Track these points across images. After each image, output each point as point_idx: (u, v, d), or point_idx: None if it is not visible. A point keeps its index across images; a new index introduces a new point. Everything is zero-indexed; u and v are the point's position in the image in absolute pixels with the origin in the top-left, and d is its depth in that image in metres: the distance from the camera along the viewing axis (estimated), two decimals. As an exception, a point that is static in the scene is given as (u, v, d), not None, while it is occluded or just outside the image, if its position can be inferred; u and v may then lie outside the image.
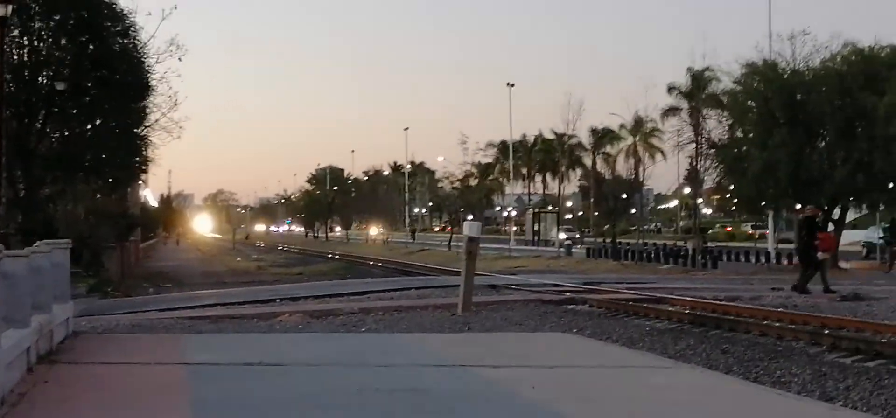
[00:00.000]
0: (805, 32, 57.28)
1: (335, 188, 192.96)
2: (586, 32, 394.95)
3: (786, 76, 56.71)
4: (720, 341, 22.90)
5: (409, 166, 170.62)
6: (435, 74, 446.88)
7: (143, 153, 58.13)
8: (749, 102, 58.67)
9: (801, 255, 36.30)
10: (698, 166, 69.08)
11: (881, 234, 61.62)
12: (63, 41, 49.03)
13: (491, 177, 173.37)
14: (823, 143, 56.82)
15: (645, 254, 71.06)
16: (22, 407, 11.44)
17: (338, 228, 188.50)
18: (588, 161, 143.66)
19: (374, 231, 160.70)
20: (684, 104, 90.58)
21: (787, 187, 55.81)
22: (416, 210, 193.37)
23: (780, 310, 28.62)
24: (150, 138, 57.27)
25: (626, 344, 22.45)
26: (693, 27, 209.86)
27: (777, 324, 24.69)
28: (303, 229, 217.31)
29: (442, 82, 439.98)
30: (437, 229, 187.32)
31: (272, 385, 13.54)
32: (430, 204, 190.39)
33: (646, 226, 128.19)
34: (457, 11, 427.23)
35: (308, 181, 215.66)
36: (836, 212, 58.69)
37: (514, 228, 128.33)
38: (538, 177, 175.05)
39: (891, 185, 55.19)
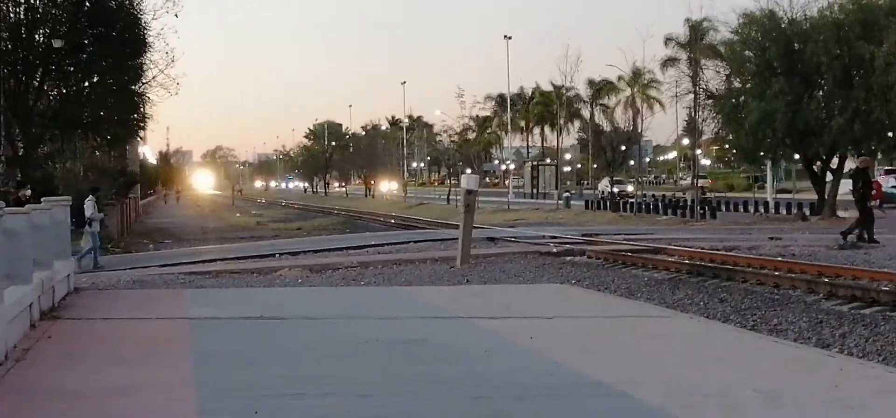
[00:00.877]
0: (803, -19, 57.24)
1: (333, 143, 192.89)
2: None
3: (783, 25, 56.56)
4: (718, 290, 23.01)
5: (406, 120, 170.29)
6: (432, 28, 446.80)
7: (141, 110, 58.15)
8: (747, 52, 58.54)
9: (860, 205, 36.34)
10: (697, 117, 68.93)
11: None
12: (59, -2, 48.98)
13: (489, 131, 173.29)
14: (821, 93, 56.67)
15: (643, 206, 71.11)
16: (26, 361, 11.56)
17: (343, 184, 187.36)
18: (586, 113, 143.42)
19: (386, 185, 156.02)
20: (682, 55, 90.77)
21: (785, 137, 55.81)
22: (415, 164, 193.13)
23: (777, 259, 28.72)
24: (147, 95, 57.28)
25: (624, 295, 22.59)
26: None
27: (775, 273, 24.80)
28: (301, 184, 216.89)
29: (439, 36, 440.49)
30: (436, 183, 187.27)
31: (272, 338, 13.67)
32: (429, 158, 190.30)
33: (644, 178, 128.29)
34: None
35: (306, 137, 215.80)
36: (834, 162, 58.70)
37: (515, 182, 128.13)
38: (536, 130, 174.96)
39: (889, 134, 55.15)
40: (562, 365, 11.56)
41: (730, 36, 60.68)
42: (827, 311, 19.25)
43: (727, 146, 78.81)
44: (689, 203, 65.83)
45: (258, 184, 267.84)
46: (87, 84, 52.97)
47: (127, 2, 51.44)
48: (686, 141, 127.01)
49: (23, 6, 48.01)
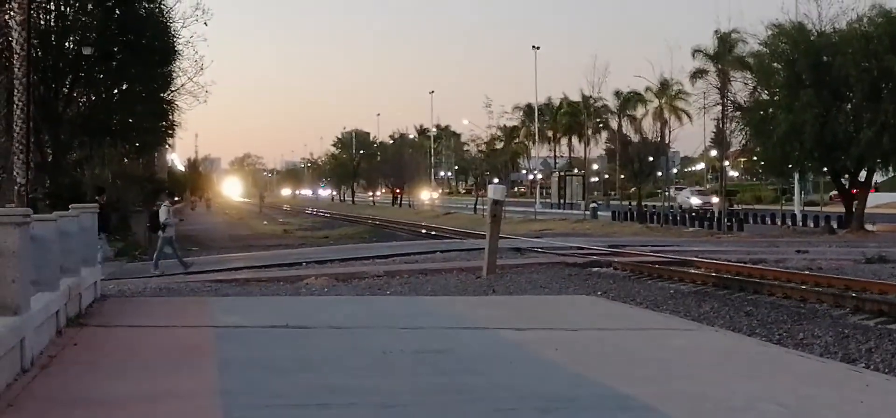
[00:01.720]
0: (832, -7, 57.11)
1: (361, 152, 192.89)
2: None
3: (812, 38, 56.46)
4: (744, 304, 22.96)
5: (434, 129, 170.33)
6: (460, 38, 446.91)
7: (170, 117, 58.31)
8: (775, 64, 58.43)
9: None
10: (724, 129, 68.68)
11: None
12: (89, 6, 49.12)
13: (516, 141, 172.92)
14: (849, 105, 56.48)
15: (670, 217, 70.92)
16: (51, 369, 11.60)
17: (373, 193, 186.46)
18: (614, 124, 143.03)
19: (426, 194, 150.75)
20: (711, 67, 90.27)
21: (813, 149, 55.62)
22: (442, 173, 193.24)
23: (804, 272, 28.63)
24: (176, 102, 57.45)
25: (650, 307, 22.54)
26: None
27: (801, 287, 24.72)
28: (327, 192, 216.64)
29: (467, 45, 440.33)
30: (462, 192, 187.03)
31: (297, 347, 13.69)
32: (456, 167, 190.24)
33: (672, 189, 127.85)
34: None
35: (334, 145, 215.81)
36: (862, 175, 58.46)
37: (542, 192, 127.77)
38: (564, 141, 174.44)
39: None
40: (586, 378, 11.54)
41: (759, 48, 60.53)
42: (853, 326, 19.20)
43: (755, 158, 78.51)
44: (716, 215, 65.57)
45: (286, 191, 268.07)
46: (116, 91, 53.14)
47: (157, 10, 51.61)
48: (714, 152, 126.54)
49: (53, 14, 48.20)
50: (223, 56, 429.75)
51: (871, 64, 53.62)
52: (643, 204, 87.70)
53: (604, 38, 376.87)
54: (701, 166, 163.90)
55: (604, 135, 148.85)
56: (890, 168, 61.82)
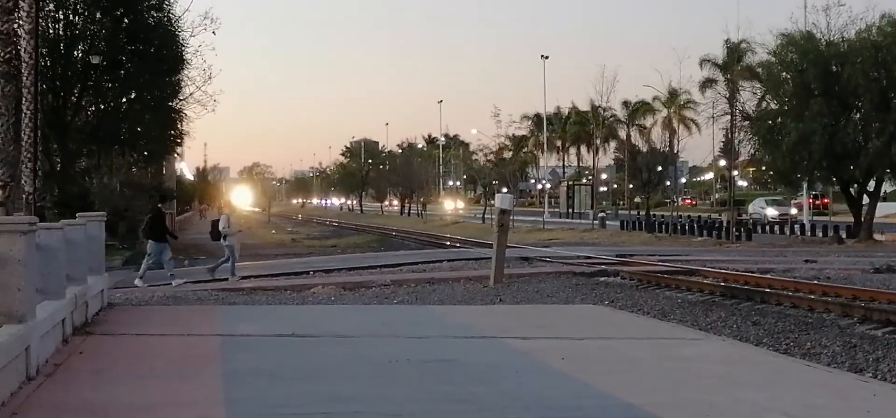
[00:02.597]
0: (840, 3, 56.99)
1: (369, 161, 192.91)
2: (620, 4, 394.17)
3: (821, 47, 56.40)
4: (751, 313, 22.90)
5: (443, 139, 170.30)
6: (469, 47, 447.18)
7: (178, 126, 58.40)
8: (784, 74, 58.38)
9: None
10: (733, 138, 68.65)
11: None
12: (98, 15, 49.27)
13: (525, 150, 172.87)
14: (858, 115, 56.47)
15: (679, 227, 70.83)
16: (56, 377, 11.59)
17: (388, 202, 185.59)
18: (622, 133, 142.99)
19: (450, 204, 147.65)
20: (719, 76, 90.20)
21: (822, 159, 55.54)
22: (451, 182, 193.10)
23: (812, 282, 28.55)
24: (184, 111, 57.55)
25: (657, 316, 22.50)
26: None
27: (809, 296, 24.66)
28: (337, 201, 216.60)
29: (476, 55, 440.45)
30: (472, 202, 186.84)
31: (303, 356, 13.68)
32: (465, 176, 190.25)
33: (680, 199, 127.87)
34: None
35: (342, 154, 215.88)
36: (871, 185, 58.39)
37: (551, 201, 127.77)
38: (572, 150, 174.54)
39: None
40: (592, 387, 11.52)
41: (767, 57, 60.47)
42: (861, 335, 19.14)
43: (764, 168, 78.42)
44: (724, 224, 65.48)
45: (295, 201, 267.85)
46: (124, 100, 53.26)
47: (165, 19, 51.73)
48: (722, 162, 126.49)
49: (62, 23, 48.34)
50: (232, 65, 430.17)
51: (880, 73, 53.60)
52: (651, 213, 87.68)
53: (612, 48, 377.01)
54: (710, 176, 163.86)
55: (612, 144, 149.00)
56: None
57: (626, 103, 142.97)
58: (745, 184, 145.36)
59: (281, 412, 9.96)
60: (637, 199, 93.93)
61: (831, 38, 56.74)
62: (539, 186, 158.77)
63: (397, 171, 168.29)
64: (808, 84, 55.35)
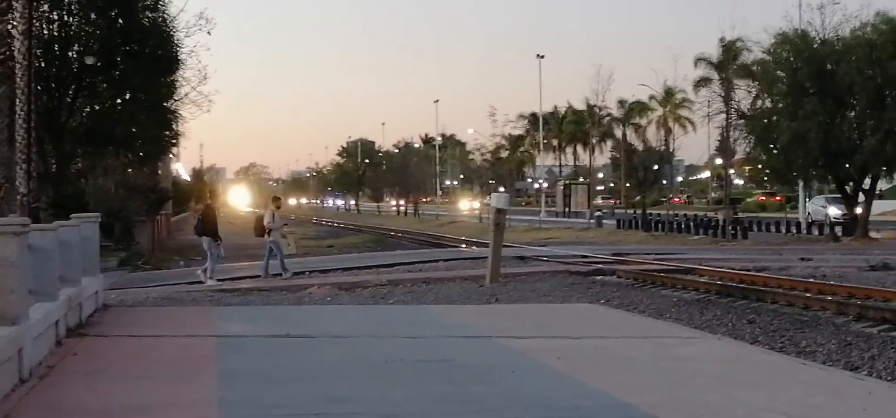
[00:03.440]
0: (835, 2, 56.95)
1: (366, 160, 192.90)
2: (615, 3, 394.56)
3: (816, 46, 56.37)
4: (747, 311, 22.91)
5: (439, 138, 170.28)
6: (465, 47, 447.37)
7: (174, 127, 58.25)
8: (779, 72, 58.34)
9: None
10: (729, 137, 68.64)
11: None
12: (93, 16, 49.14)
13: (521, 149, 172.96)
14: (853, 113, 56.50)
15: (675, 225, 70.82)
16: (50, 379, 11.56)
17: (394, 202, 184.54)
18: (618, 132, 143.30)
19: (466, 203, 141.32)
20: (714, 75, 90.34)
21: (817, 157, 55.51)
22: (448, 182, 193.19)
23: (808, 280, 28.56)
24: (180, 112, 57.33)
25: (653, 315, 22.51)
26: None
27: (804, 294, 24.69)
28: (340, 201, 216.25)
29: (472, 55, 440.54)
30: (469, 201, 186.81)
31: (299, 356, 13.66)
32: (462, 176, 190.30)
33: (671, 197, 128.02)
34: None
35: (339, 154, 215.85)
36: (866, 182, 58.40)
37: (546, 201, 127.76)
38: (569, 149, 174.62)
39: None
40: (589, 387, 11.50)
41: (762, 55, 60.47)
42: (856, 333, 19.14)
43: (760, 166, 78.46)
44: (720, 223, 65.47)
45: (293, 200, 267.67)
46: (119, 101, 53.09)
47: (160, 19, 51.59)
48: (718, 160, 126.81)
49: (56, 23, 48.23)
50: (227, 65, 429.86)
51: (874, 71, 53.58)
52: (647, 212, 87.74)
53: (608, 47, 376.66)
54: (706, 174, 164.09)
55: (609, 143, 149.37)
56: (894, 175, 61.80)
57: (621, 102, 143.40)
58: (741, 182, 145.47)
59: (276, 413, 9.94)
60: (636, 199, 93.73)
61: (826, 37, 56.70)
62: (536, 186, 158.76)
63: (394, 171, 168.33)
64: (803, 82, 55.35)
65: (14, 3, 31.16)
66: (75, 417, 9.75)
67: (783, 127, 55.35)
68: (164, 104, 55.30)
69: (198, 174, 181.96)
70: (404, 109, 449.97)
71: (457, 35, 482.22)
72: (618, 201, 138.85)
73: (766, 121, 59.67)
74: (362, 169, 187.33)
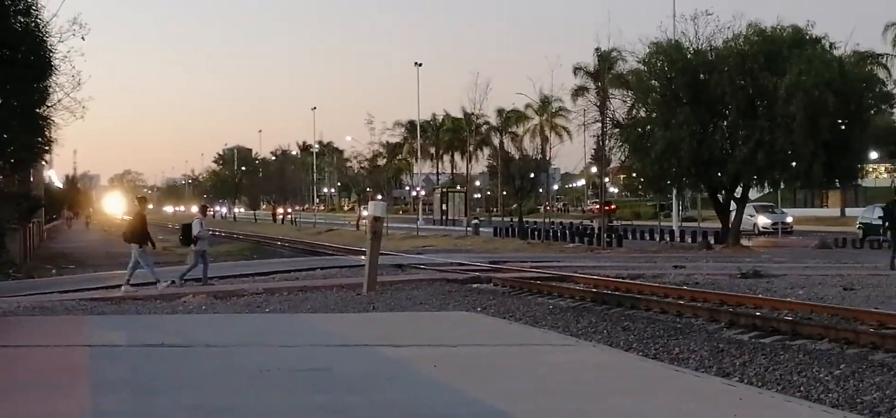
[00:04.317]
0: (708, 13, 57.95)
1: (242, 168, 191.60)
2: (493, 12, 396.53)
3: (689, 56, 57.21)
4: (621, 319, 23.20)
5: (317, 146, 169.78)
6: (343, 54, 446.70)
7: (47, 133, 57.32)
8: (653, 82, 59.10)
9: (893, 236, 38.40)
10: (604, 146, 69.37)
11: (880, 215, 48.56)
12: (-38, 21, 48.23)
13: (399, 157, 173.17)
14: (726, 123, 57.46)
15: (551, 233, 71.42)
16: (-82, 391, 11.32)
17: (271, 211, 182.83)
18: (496, 140, 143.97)
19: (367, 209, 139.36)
20: (591, 84, 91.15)
21: (690, 166, 56.37)
22: (325, 190, 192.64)
23: (681, 287, 29.01)
24: (52, 118, 56.42)
25: (529, 323, 22.67)
26: (600, 6, 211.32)
27: (678, 302, 25.07)
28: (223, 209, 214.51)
29: (350, 62, 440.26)
30: (346, 209, 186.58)
31: (175, 365, 13.52)
32: (339, 184, 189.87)
33: (553, 205, 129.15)
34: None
35: (215, 161, 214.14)
36: (738, 191, 59.41)
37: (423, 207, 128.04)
38: (446, 158, 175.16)
39: (793, 164, 55.86)
40: (465, 395, 11.53)
41: (637, 65, 61.20)
42: (728, 340, 19.49)
43: (634, 174, 79.35)
44: (595, 231, 66.14)
45: (168, 208, 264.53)
46: (-12, 107, 52.11)
47: (32, 24, 50.73)
48: (594, 169, 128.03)
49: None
50: (102, 72, 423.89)
51: (746, 81, 54.59)
52: (524, 220, 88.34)
53: (487, 56, 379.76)
54: (582, 183, 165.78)
55: (486, 151, 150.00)
56: (765, 184, 62.94)
57: (499, 111, 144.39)
58: (616, 190, 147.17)
59: (151, 424, 9.84)
60: (513, 207, 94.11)
61: (699, 47, 57.63)
62: (413, 193, 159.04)
63: (271, 179, 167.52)
64: (677, 92, 56.21)
65: None
66: (-55, 430, 9.57)
67: (657, 136, 56.10)
68: (37, 110, 54.39)
69: (71, 181, 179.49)
70: (282, 117, 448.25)
71: (335, 43, 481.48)
72: (494, 209, 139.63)
73: (640, 130, 60.43)
74: (238, 176, 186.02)
